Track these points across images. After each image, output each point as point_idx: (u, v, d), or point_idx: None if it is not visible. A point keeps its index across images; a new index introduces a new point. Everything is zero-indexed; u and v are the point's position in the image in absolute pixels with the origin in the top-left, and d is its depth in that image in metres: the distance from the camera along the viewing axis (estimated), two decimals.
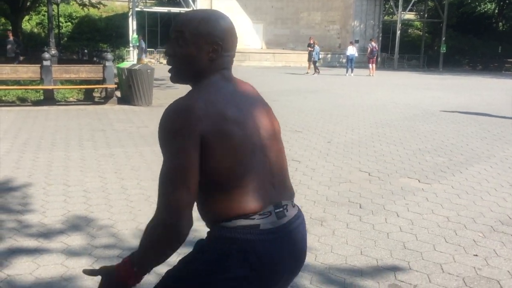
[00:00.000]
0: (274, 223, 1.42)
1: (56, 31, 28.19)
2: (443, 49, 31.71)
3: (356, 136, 8.10)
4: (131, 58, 26.08)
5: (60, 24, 32.83)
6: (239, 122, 1.39)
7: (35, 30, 34.68)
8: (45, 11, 30.01)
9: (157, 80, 15.16)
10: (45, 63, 11.05)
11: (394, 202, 4.67)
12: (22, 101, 11.57)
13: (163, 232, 1.33)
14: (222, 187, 1.38)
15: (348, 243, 3.69)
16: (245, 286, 1.38)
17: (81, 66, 12.15)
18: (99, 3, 29.49)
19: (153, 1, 36.82)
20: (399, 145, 7.37)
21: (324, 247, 3.59)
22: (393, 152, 6.88)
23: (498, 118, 10.39)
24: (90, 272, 1.49)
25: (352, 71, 23.20)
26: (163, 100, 11.97)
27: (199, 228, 1.94)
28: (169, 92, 13.58)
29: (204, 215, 1.46)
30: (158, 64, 26.75)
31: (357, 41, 30.57)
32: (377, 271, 3.23)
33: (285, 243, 1.44)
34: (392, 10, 34.97)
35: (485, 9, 34.42)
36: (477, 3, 33.52)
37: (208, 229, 1.46)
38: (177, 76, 1.50)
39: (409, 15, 37.77)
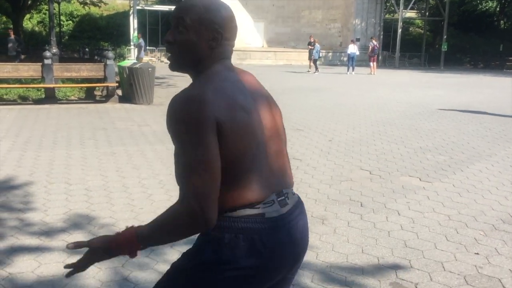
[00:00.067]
0: (278, 211, 1.44)
1: (57, 29, 28.19)
2: (444, 48, 31.68)
3: (357, 134, 8.10)
4: (132, 57, 26.10)
5: (61, 22, 32.87)
6: (247, 109, 1.40)
7: (36, 28, 34.71)
8: (46, 10, 30.02)
9: (158, 79, 15.20)
10: (46, 61, 11.05)
11: (395, 201, 4.68)
12: (24, 99, 11.59)
13: (190, 221, 1.32)
14: (228, 176, 1.36)
15: (349, 241, 3.69)
16: (252, 275, 1.39)
17: (82, 65, 12.15)
18: (100, 1, 29.52)
19: None
20: (400, 144, 7.37)
21: (325, 245, 3.60)
22: (394, 151, 6.88)
23: (499, 116, 10.38)
24: (76, 245, 1.46)
25: (353, 70, 23.18)
26: (164, 98, 11.98)
27: None
28: (170, 91, 13.59)
29: None
30: (159, 63, 26.78)
31: (358, 40, 30.54)
32: (378, 269, 3.23)
33: (289, 231, 1.45)
34: (393, 8, 34.94)
35: (487, 7, 34.39)
36: (478, 1, 33.50)
37: None
38: (177, 64, 1.49)
39: (410, 13, 37.75)
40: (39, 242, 3.56)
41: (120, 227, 3.87)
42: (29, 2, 26.97)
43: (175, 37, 1.44)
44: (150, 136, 7.55)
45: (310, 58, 24.08)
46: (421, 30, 38.27)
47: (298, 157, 6.36)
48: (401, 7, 31.77)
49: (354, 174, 5.61)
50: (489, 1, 34.16)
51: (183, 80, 14.31)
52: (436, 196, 4.83)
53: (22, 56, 19.05)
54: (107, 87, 11.80)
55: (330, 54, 32.61)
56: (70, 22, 35.95)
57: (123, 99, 11.82)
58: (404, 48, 32.64)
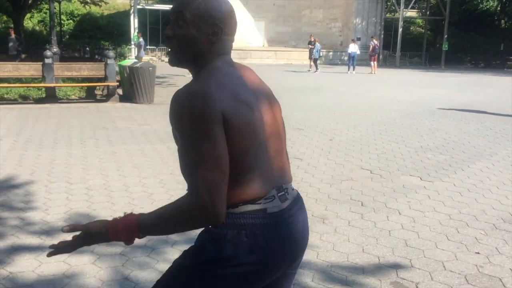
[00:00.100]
0: (279, 207, 1.44)
1: (58, 29, 28.18)
2: (445, 47, 31.65)
3: (357, 133, 8.10)
4: (133, 56, 26.10)
5: (62, 22, 32.87)
6: (249, 104, 1.40)
7: (37, 28, 34.73)
8: (46, 9, 30.04)
9: (159, 78, 15.21)
10: (47, 61, 11.06)
11: (396, 200, 4.67)
12: (24, 99, 11.59)
13: (201, 214, 1.31)
14: (230, 173, 1.36)
15: (350, 240, 3.69)
16: (253, 271, 1.39)
17: (82, 64, 12.15)
18: (101, 0, 29.48)
19: None
20: (401, 143, 7.36)
21: (326, 244, 3.60)
22: (394, 150, 6.87)
23: (500, 115, 10.37)
24: (71, 228, 1.45)
25: (354, 69, 23.16)
26: (165, 98, 11.99)
27: None
28: (170, 90, 13.58)
29: None
30: (160, 62, 26.78)
31: (359, 39, 30.53)
32: (379, 269, 3.23)
33: (289, 226, 1.45)
34: (394, 8, 34.89)
35: (488, 7, 34.32)
36: (479, 1, 33.44)
37: None
38: (176, 59, 1.48)
39: (411, 13, 37.71)
40: (39, 241, 3.56)
41: None
42: (29, 1, 26.97)
43: (175, 32, 1.44)
44: (150, 135, 7.55)
45: (310, 58, 24.07)
46: (421, 29, 38.24)
47: (299, 156, 6.36)
48: (402, 6, 31.74)
49: (354, 174, 5.60)
50: (490, 1, 34.09)
51: (184, 80, 14.32)
52: (437, 196, 4.83)
53: (23, 56, 19.09)
54: (108, 86, 11.82)
55: (331, 53, 32.58)
56: (71, 21, 35.96)
57: (124, 99, 11.82)
58: (404, 47, 32.62)
